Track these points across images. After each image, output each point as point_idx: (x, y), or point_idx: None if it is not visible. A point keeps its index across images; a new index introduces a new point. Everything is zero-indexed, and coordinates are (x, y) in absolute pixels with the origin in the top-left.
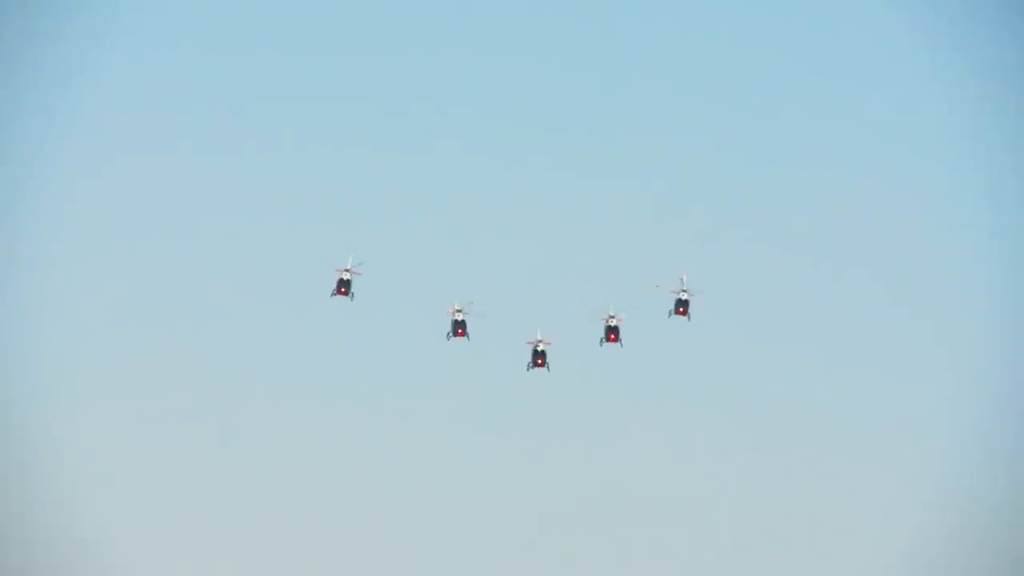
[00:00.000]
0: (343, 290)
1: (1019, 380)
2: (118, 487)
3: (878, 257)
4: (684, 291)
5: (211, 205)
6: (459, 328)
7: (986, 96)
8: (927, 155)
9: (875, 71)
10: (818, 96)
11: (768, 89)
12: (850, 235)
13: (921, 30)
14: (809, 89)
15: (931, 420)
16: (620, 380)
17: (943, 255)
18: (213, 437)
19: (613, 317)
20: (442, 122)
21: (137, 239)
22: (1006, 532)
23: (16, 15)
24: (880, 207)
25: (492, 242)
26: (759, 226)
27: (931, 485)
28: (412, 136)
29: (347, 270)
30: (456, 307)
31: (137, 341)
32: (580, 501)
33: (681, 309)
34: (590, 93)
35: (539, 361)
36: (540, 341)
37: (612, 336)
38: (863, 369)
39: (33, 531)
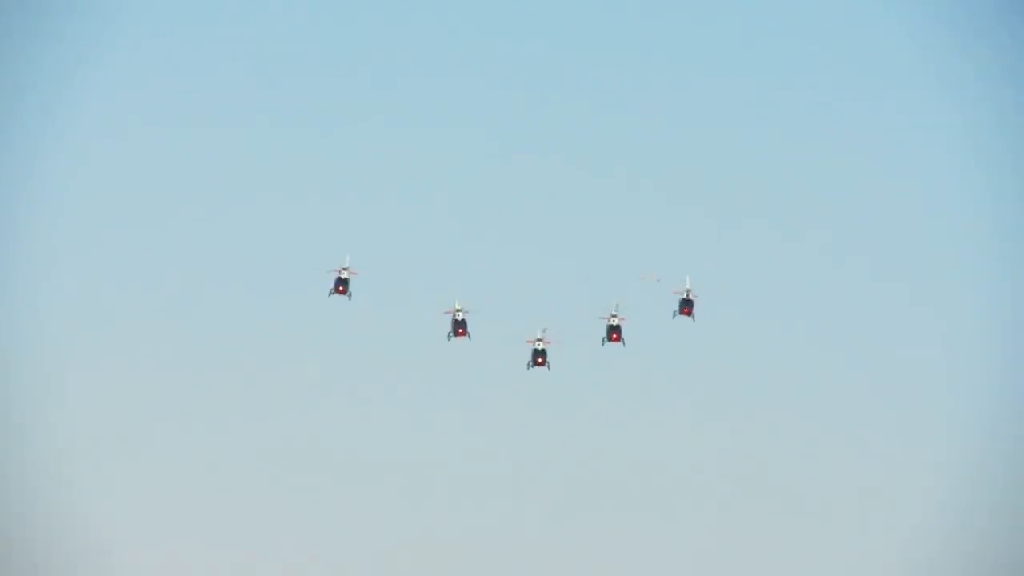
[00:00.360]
0: (341, 289)
1: (1019, 380)
2: (116, 480)
3: (879, 255)
4: (688, 291)
5: (210, 199)
6: (459, 328)
7: (988, 96)
8: (929, 152)
9: (879, 70)
10: (823, 94)
11: (772, 88)
12: (852, 234)
13: (924, 27)
14: (813, 89)
15: (932, 419)
16: (622, 380)
17: (944, 253)
18: (212, 434)
19: (615, 316)
20: (446, 113)
21: (134, 234)
22: (1006, 532)
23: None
24: (882, 205)
25: (493, 238)
26: (760, 225)
27: (931, 484)
28: (416, 127)
29: (345, 269)
30: (456, 307)
31: (136, 335)
32: (581, 500)
33: (685, 309)
34: (594, 87)
35: (539, 360)
36: (540, 340)
37: (614, 336)
38: (864, 368)
39: (33, 531)
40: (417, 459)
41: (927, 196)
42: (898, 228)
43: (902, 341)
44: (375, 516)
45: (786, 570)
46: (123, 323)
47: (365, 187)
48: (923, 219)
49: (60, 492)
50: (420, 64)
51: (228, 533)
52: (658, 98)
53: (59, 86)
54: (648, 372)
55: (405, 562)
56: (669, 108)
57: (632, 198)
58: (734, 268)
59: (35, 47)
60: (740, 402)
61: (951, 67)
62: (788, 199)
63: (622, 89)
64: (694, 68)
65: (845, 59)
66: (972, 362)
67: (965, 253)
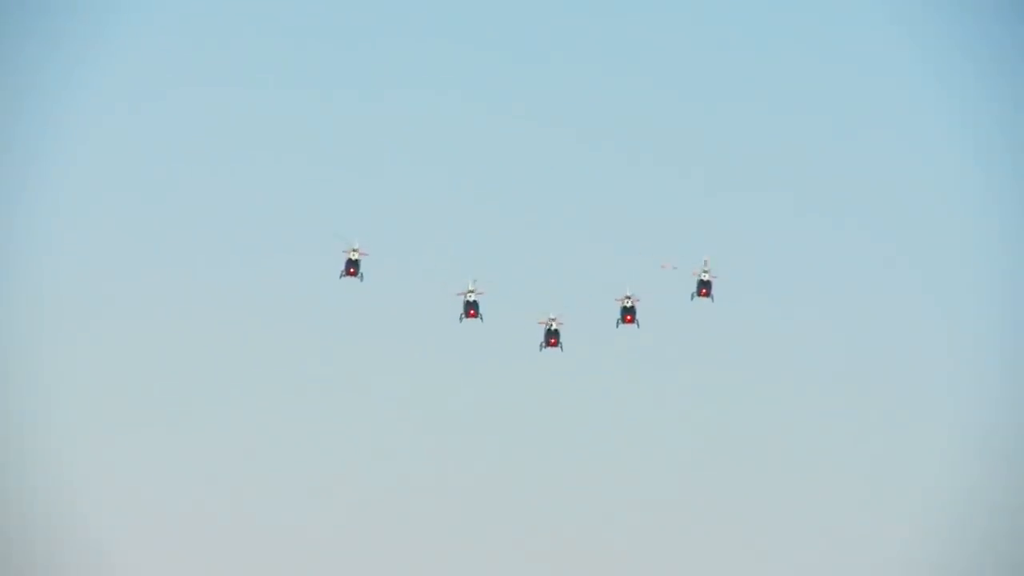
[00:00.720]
0: (352, 271)
1: (1020, 379)
2: (118, 469)
3: (882, 253)
4: (706, 272)
5: (210, 178)
6: (471, 309)
7: (990, 96)
8: (932, 150)
9: (880, 66)
10: (827, 91)
11: (775, 85)
12: (859, 224)
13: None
14: (817, 86)
15: (933, 418)
16: (636, 362)
17: (946, 251)
18: (216, 418)
19: (629, 298)
20: (457, 90)
21: (132, 215)
22: (1006, 532)
23: None
24: (884, 205)
25: (504, 218)
26: (764, 223)
27: (931, 484)
28: (428, 105)
29: (354, 250)
30: (469, 287)
31: (138, 323)
32: (593, 481)
33: (704, 290)
34: (604, 64)
35: (552, 340)
36: (553, 320)
37: (628, 317)
38: (866, 368)
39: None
40: (428, 441)
41: (932, 187)
42: (905, 220)
43: (906, 337)
44: (382, 498)
45: (789, 567)
46: (123, 310)
47: (373, 166)
48: (929, 211)
49: (56, 478)
50: (428, 42)
51: (229, 527)
52: (676, 75)
53: (60, 72)
54: (664, 354)
55: (416, 553)
56: (687, 85)
57: (649, 176)
58: (746, 247)
59: (34, 42)
60: (749, 387)
61: (953, 61)
62: (795, 185)
63: (635, 65)
64: (706, 51)
65: (846, 55)
66: (977, 356)
67: (971, 247)
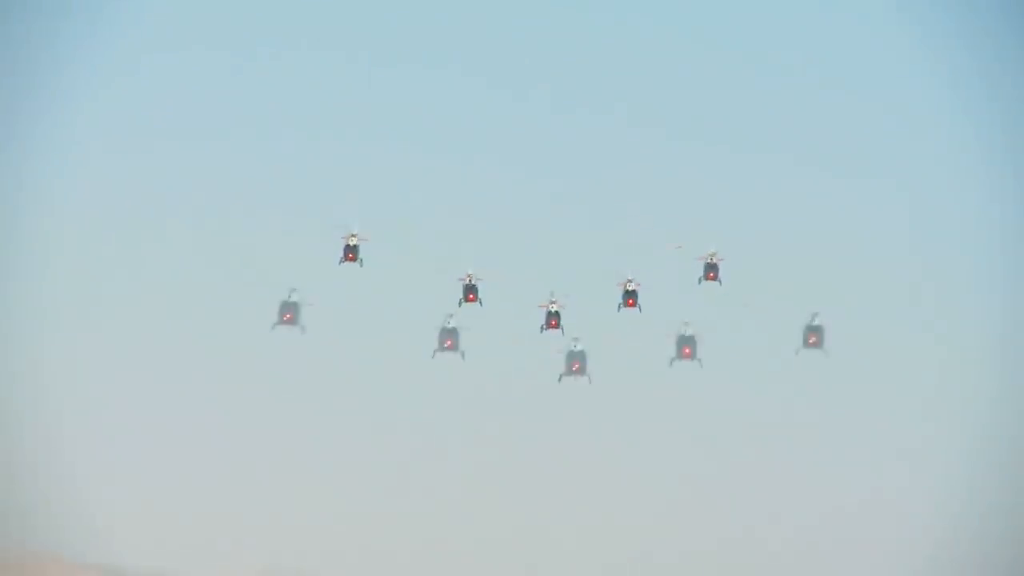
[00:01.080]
0: (351, 256)
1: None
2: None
3: (883, 250)
4: (713, 255)
5: (200, 160)
6: (470, 293)
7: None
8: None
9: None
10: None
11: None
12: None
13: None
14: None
15: (933, 420)
16: (638, 347)
17: (948, 251)
18: (216, 415)
19: (631, 281)
20: (457, 72)
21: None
22: (1007, 533)
23: None
24: (887, 208)
25: (504, 200)
26: (762, 223)
27: (931, 484)
28: (427, 90)
29: (353, 236)
30: (469, 272)
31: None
32: (595, 477)
33: (711, 274)
34: (606, 49)
35: (552, 323)
36: (553, 303)
37: (630, 301)
38: (865, 366)
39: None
40: (426, 428)
41: (934, 194)
42: (907, 218)
43: (906, 335)
44: (381, 493)
45: (790, 561)
46: (118, 306)
47: (370, 151)
48: (935, 208)
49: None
50: (431, 24)
51: (233, 518)
52: (677, 59)
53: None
54: (667, 340)
55: (415, 540)
56: (689, 69)
57: (652, 160)
58: (745, 239)
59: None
60: (747, 383)
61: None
62: (796, 179)
63: (640, 52)
64: (705, 42)
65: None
66: (978, 354)
67: (971, 250)
